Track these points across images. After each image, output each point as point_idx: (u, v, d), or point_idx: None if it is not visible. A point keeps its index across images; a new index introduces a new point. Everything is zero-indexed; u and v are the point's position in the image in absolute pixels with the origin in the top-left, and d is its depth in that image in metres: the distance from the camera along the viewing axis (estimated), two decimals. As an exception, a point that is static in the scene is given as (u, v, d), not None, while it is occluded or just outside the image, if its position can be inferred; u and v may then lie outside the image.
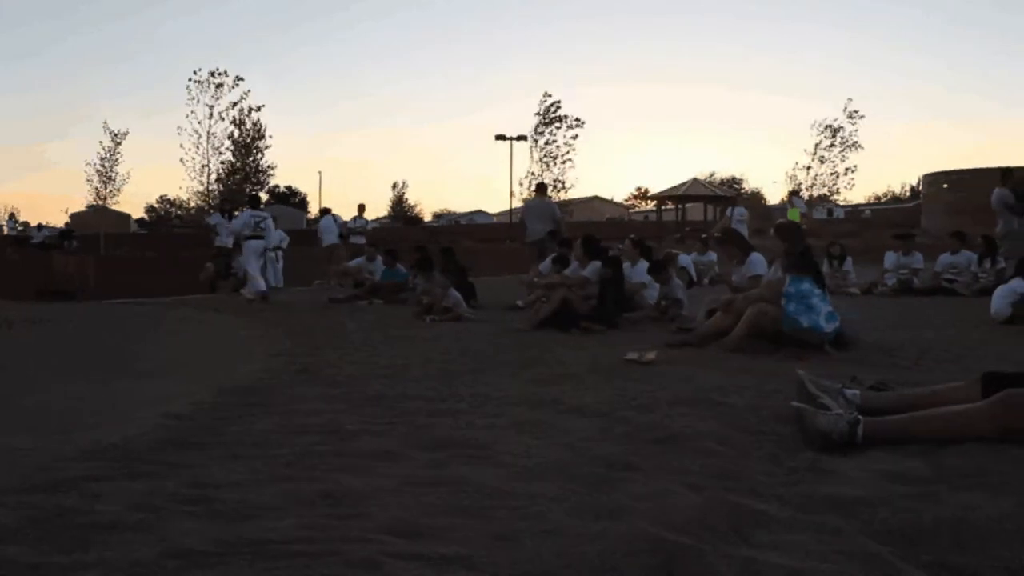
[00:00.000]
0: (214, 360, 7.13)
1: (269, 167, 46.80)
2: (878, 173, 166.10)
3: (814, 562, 2.15)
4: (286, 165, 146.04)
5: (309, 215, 76.21)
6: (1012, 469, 2.99)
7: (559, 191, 49.50)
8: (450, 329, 8.88)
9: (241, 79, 44.48)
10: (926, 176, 49.81)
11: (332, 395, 4.92)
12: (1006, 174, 14.10)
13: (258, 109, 45.01)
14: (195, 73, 45.18)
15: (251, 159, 45.52)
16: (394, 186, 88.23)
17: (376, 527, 2.50)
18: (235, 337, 8.86)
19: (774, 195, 68.24)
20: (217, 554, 2.30)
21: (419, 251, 12.65)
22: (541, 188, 17.15)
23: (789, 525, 2.44)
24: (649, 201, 70.56)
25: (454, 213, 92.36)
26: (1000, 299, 8.91)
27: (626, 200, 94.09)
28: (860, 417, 3.46)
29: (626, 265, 10.03)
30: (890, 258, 14.99)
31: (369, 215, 21.28)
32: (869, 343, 6.98)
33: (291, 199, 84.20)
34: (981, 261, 13.97)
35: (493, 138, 48.99)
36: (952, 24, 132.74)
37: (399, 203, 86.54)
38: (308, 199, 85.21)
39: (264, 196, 55.62)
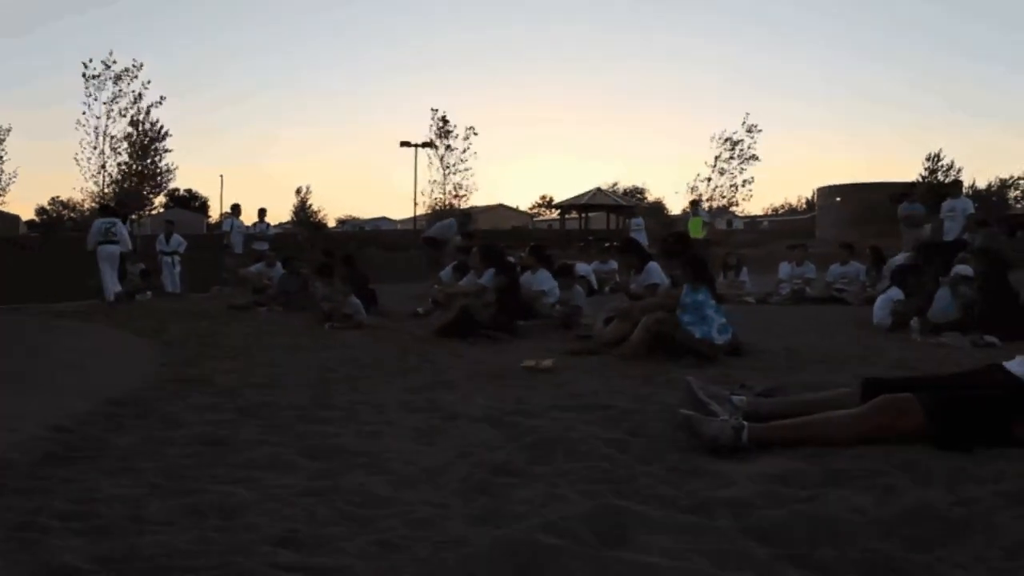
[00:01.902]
0: (98, 370, 6.90)
1: (168, 169, 45.22)
2: (776, 186, 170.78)
3: (678, 561, 2.19)
4: (187, 168, 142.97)
5: (210, 219, 74.68)
6: (888, 469, 3.11)
7: (461, 199, 49.63)
8: (349, 337, 8.79)
9: (140, 65, 41.82)
10: (820, 189, 51.41)
11: (220, 405, 4.81)
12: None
13: (160, 101, 42.89)
14: (86, 65, 40.44)
15: (149, 160, 43.80)
16: (298, 191, 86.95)
17: (263, 538, 2.46)
18: (123, 346, 8.59)
19: (676, 205, 69.46)
20: (98, 572, 2.22)
21: (325, 255, 12.47)
22: None
23: (664, 526, 2.48)
24: (553, 210, 71.09)
25: (358, 219, 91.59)
26: (880, 309, 9.23)
27: (531, 208, 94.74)
28: (745, 423, 3.54)
29: (526, 273, 10.09)
30: (784, 268, 15.41)
31: (272, 220, 20.77)
32: (762, 350, 7.15)
33: (191, 203, 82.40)
34: (869, 271, 14.47)
35: (398, 144, 48.82)
36: (848, 44, 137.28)
37: (303, 209, 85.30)
38: (209, 203, 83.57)
39: (163, 199, 54.04)
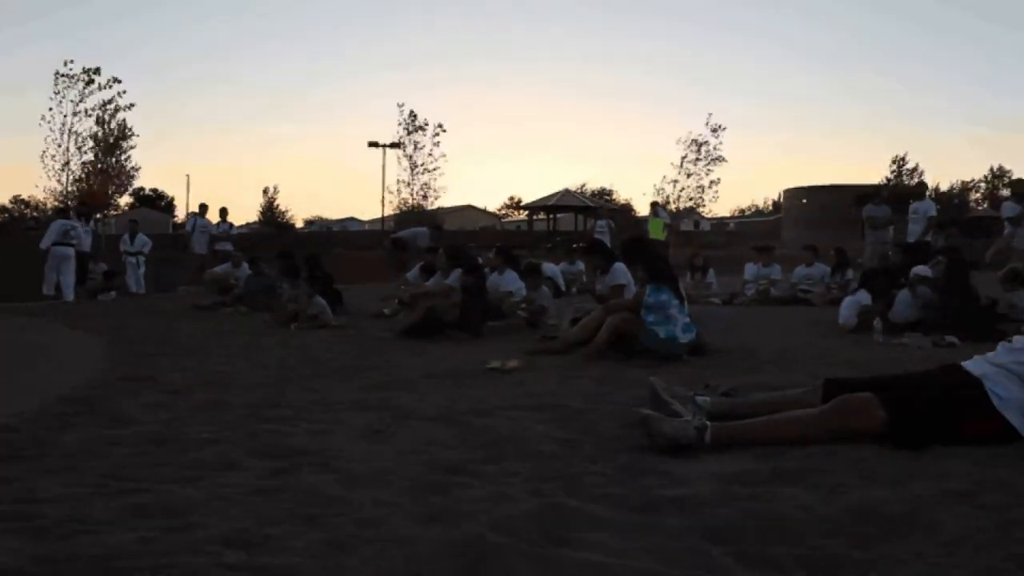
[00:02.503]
0: (49, 369, 6.83)
1: (134, 168, 44.63)
2: (744, 188, 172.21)
3: (625, 559, 2.19)
4: (153, 167, 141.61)
5: (176, 219, 74.04)
6: (836, 468, 3.14)
7: (430, 199, 49.53)
8: (312, 337, 8.74)
9: (117, 80, 41.60)
10: (786, 191, 51.88)
11: (172, 403, 4.77)
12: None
13: (129, 107, 42.46)
14: (66, 65, 40.58)
15: (114, 159, 43.21)
16: (265, 191, 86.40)
17: (209, 538, 2.43)
18: (75, 345, 8.49)
19: (644, 207, 69.81)
20: (38, 573, 2.18)
21: (284, 257, 12.38)
22: None
23: (612, 524, 2.49)
24: (521, 211, 71.18)
25: (326, 220, 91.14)
26: (847, 309, 9.31)
27: (499, 209, 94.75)
28: (708, 423, 3.55)
29: (493, 274, 10.08)
30: (750, 269, 15.50)
31: (239, 220, 20.69)
32: (727, 350, 7.19)
33: (157, 202, 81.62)
34: (834, 273, 14.60)
35: (366, 145, 48.67)
36: (816, 47, 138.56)
37: (270, 209, 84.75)
38: (175, 203, 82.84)
39: (128, 199, 53.42)
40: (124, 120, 42.49)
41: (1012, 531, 2.41)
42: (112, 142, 42.34)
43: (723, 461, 3.28)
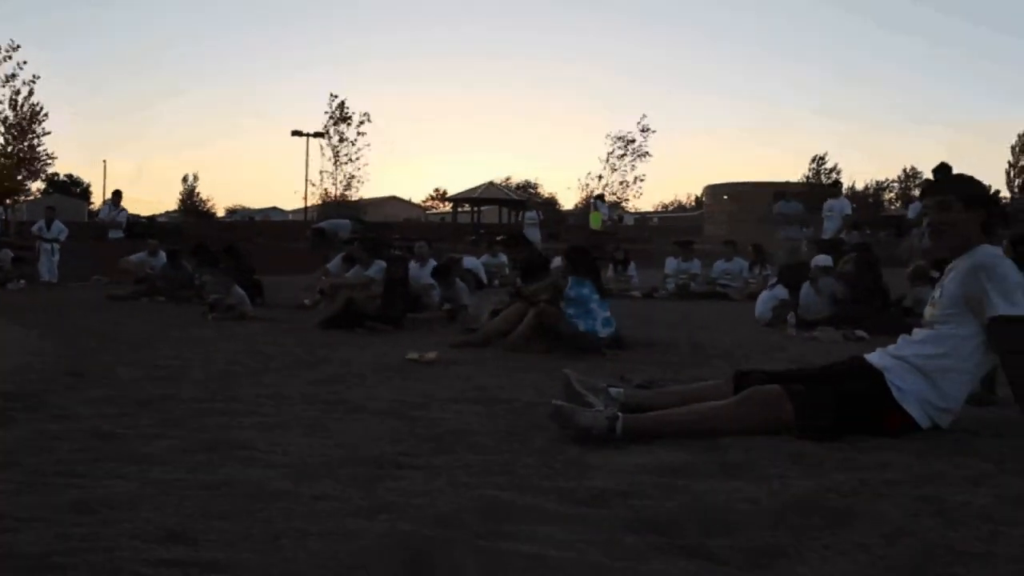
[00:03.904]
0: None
1: (48, 155, 43.09)
2: (667, 183, 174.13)
3: (568, 551, 2.20)
4: (68, 153, 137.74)
5: (92, 206, 72.12)
6: (779, 460, 3.19)
7: (353, 190, 48.99)
8: (233, 328, 8.62)
9: (17, 46, 39.73)
10: (708, 187, 52.53)
11: (117, 398, 4.64)
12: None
13: (33, 81, 40.65)
14: None
15: (26, 143, 41.62)
16: (184, 180, 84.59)
17: (139, 533, 2.37)
18: (11, 337, 8.19)
19: (568, 200, 70.10)
20: (-31, 571, 2.12)
21: (199, 248, 12.19)
22: None
23: (557, 517, 2.50)
24: (446, 203, 70.93)
25: (248, 209, 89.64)
26: (763, 304, 9.53)
27: (424, 201, 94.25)
28: (619, 413, 3.59)
29: (415, 265, 10.07)
30: (671, 263, 15.75)
31: (159, 209, 19.92)
32: (646, 343, 7.28)
33: (72, 189, 79.40)
34: (752, 268, 14.91)
35: (289, 134, 48.02)
36: (742, 45, 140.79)
37: (190, 197, 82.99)
38: (92, 189, 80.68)
39: (41, 185, 51.68)
40: (38, 102, 40.89)
41: (948, 520, 2.48)
42: (25, 125, 40.78)
43: (664, 454, 3.30)
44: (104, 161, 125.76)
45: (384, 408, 4.31)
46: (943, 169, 12.41)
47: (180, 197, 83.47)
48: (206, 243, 12.72)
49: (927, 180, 12.80)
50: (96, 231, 20.46)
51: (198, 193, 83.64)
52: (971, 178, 3.91)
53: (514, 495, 2.71)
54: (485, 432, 3.71)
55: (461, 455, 3.33)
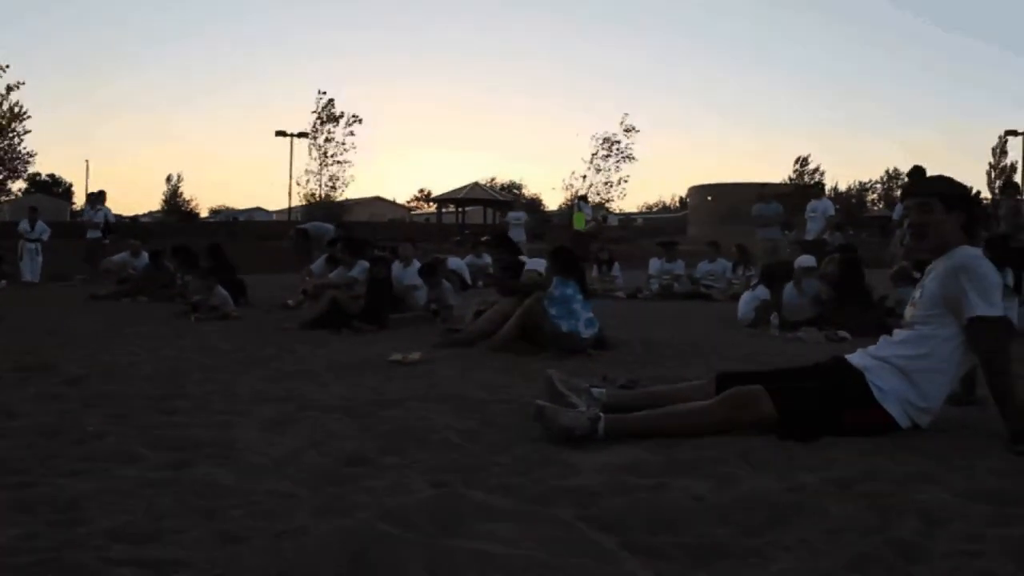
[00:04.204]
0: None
1: (28, 153, 42.84)
2: (652, 184, 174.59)
3: (513, 548, 2.21)
4: (50, 153, 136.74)
5: (74, 206, 71.66)
6: (727, 458, 3.22)
7: (338, 191, 48.91)
8: (214, 328, 8.58)
9: None
10: (693, 188, 52.76)
11: (64, 394, 4.61)
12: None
13: (17, 87, 40.59)
14: None
15: (6, 143, 41.36)
16: (168, 179, 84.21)
17: (100, 532, 2.36)
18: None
19: (552, 201, 70.24)
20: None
21: (181, 250, 12.13)
22: None
23: (505, 514, 2.50)
24: (431, 203, 70.92)
25: (232, 209, 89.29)
26: (745, 305, 9.55)
27: (408, 202, 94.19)
28: (601, 414, 3.60)
29: (399, 266, 10.06)
30: (654, 264, 15.80)
31: (142, 209, 19.74)
32: (629, 343, 7.29)
33: (54, 189, 78.96)
34: (735, 269, 14.97)
35: (273, 134, 47.86)
36: (727, 47, 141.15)
37: (174, 197, 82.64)
38: (74, 189, 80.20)
39: (22, 184, 51.33)
40: (17, 101, 40.67)
41: (890, 517, 2.52)
42: (4, 124, 40.53)
43: (618, 452, 3.32)
44: (87, 161, 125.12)
45: (350, 406, 4.30)
46: (917, 171, 12.49)
47: (164, 197, 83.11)
48: (187, 246, 12.64)
49: (909, 181, 12.84)
50: (80, 231, 20.31)
51: (182, 193, 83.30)
52: (952, 180, 3.93)
53: (465, 492, 2.72)
54: (446, 431, 3.71)
55: (415, 454, 3.33)
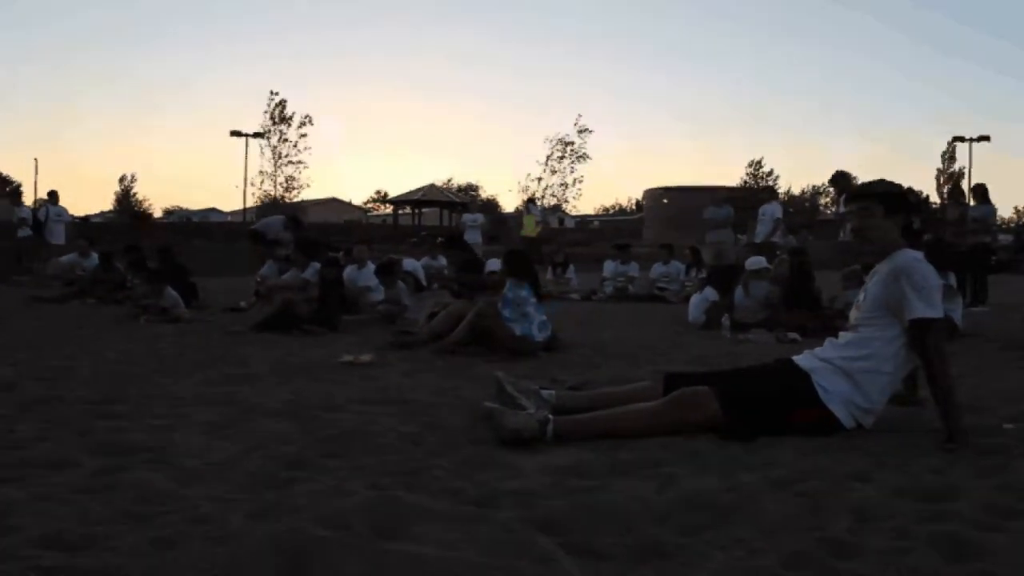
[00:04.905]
0: None
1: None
2: (609, 187, 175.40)
3: (449, 551, 2.22)
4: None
5: (24, 206, 70.30)
6: (670, 459, 3.26)
7: (293, 192, 48.64)
8: (163, 331, 8.46)
9: None
10: (648, 191, 53.06)
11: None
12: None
13: None
14: None
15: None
16: (121, 179, 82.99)
17: (27, 540, 2.31)
18: None
19: (509, 203, 70.41)
20: None
21: (131, 250, 11.96)
22: None
23: (444, 517, 2.51)
24: (387, 205, 70.68)
25: (186, 210, 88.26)
26: (695, 307, 9.62)
27: (365, 203, 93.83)
28: (550, 416, 3.61)
29: (352, 268, 10.01)
30: (609, 266, 15.86)
31: (93, 209, 19.35)
32: (582, 345, 7.32)
33: (2, 188, 77.48)
34: (688, 271, 15.09)
35: (228, 134, 47.41)
36: (680, 52, 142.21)
37: (126, 198, 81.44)
38: (23, 189, 78.69)
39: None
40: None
41: (824, 516, 2.57)
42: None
43: (562, 454, 3.34)
44: (35, 159, 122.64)
45: (295, 410, 4.28)
46: (842, 177, 12.72)
47: (116, 197, 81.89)
48: (137, 246, 12.46)
49: (834, 186, 13.05)
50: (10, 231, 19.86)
51: (135, 193, 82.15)
52: (892, 183, 3.99)
53: (405, 495, 2.72)
54: (391, 434, 3.70)
55: (357, 457, 3.31)
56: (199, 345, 7.18)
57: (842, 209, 12.08)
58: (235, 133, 47.26)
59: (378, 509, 2.53)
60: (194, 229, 45.74)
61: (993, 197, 13.37)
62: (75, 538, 2.34)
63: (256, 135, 47.53)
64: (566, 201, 50.93)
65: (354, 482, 2.93)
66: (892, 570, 2.17)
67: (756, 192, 35.99)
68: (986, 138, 50.51)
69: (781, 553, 2.27)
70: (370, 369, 5.82)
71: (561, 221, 60.72)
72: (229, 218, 68.40)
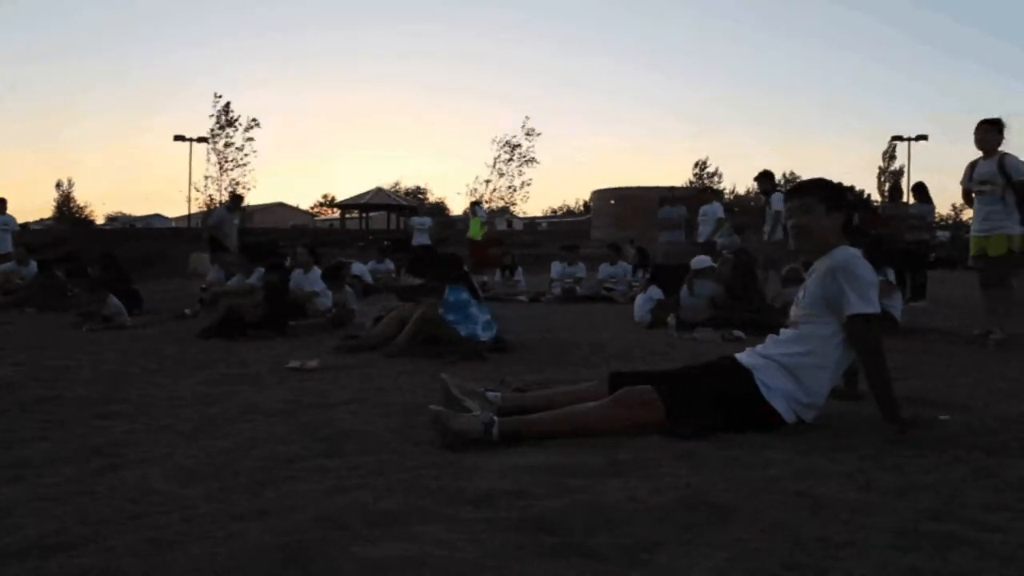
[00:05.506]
0: None
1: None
2: (557, 188, 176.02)
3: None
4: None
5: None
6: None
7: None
8: (106, 339, 8.32)
9: None
10: (596, 192, 53.33)
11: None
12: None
13: None
14: None
15: None
16: (58, 185, 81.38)
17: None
18: None
19: (458, 206, 70.41)
20: None
21: (70, 258, 11.74)
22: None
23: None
24: (334, 209, 70.33)
25: (129, 216, 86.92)
26: (641, 307, 9.71)
27: (312, 207, 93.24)
28: (495, 417, 3.61)
29: (298, 272, 9.94)
30: (556, 268, 15.92)
31: (33, 216, 18.96)
32: (530, 347, 7.34)
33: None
34: (635, 271, 15.21)
35: (172, 138, 46.86)
36: (628, 55, 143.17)
37: (66, 203, 79.91)
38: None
39: None
40: None
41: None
42: None
43: (530, 455, 3.34)
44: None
45: (247, 415, 4.24)
46: (766, 177, 12.92)
47: (55, 203, 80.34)
48: (74, 252, 12.23)
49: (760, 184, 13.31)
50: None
51: (74, 199, 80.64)
52: (832, 182, 4.07)
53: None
54: (359, 434, 3.70)
55: (335, 458, 3.31)
56: (142, 353, 7.03)
57: (775, 208, 12.27)
58: (178, 138, 46.74)
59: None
60: (138, 235, 45.15)
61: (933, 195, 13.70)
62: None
63: (200, 139, 47.02)
64: (514, 203, 51.10)
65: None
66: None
67: (700, 192, 36.45)
68: (924, 137, 51.63)
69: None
70: (321, 374, 5.78)
71: (509, 223, 60.85)
72: (174, 223, 67.55)
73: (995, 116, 7.77)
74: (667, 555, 2.28)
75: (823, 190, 3.99)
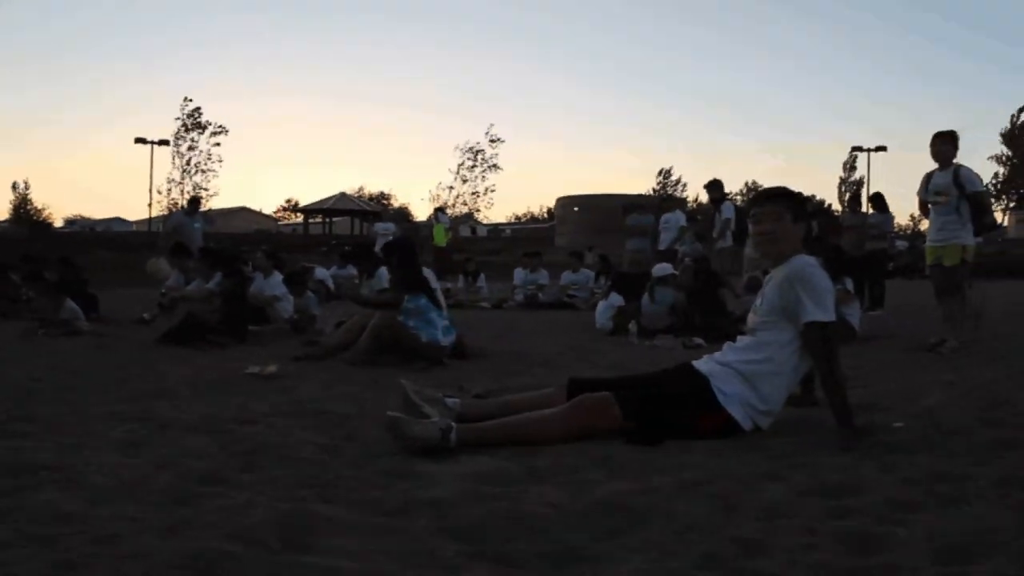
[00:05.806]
0: None
1: None
2: (522, 195, 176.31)
3: (362, 562, 2.22)
4: None
5: None
6: (585, 464, 3.29)
7: (203, 201, 47.79)
8: (64, 344, 8.20)
9: None
10: (560, 199, 53.45)
11: None
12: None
13: None
14: None
15: None
16: (14, 187, 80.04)
17: None
18: None
19: (422, 212, 70.26)
20: None
21: (26, 261, 11.55)
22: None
23: (358, 528, 2.50)
24: (298, 214, 69.99)
25: (89, 219, 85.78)
26: (602, 314, 9.75)
27: (275, 212, 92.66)
28: (453, 424, 3.61)
29: (258, 277, 9.86)
30: (519, 275, 15.98)
31: None
32: (491, 353, 7.35)
33: None
34: (598, 278, 15.27)
35: (132, 141, 46.38)
36: (591, 62, 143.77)
37: (23, 206, 78.59)
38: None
39: None
40: None
41: (735, 516, 2.64)
42: None
43: (479, 462, 3.34)
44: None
45: (201, 424, 4.17)
46: (715, 185, 13.05)
47: (11, 205, 79.02)
48: (32, 256, 12.03)
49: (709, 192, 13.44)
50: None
51: (32, 201, 79.33)
52: (796, 192, 4.11)
53: (319, 508, 2.70)
54: (303, 446, 3.66)
55: (272, 470, 3.27)
56: (100, 359, 6.97)
57: (724, 216, 12.39)
58: (140, 140, 46.27)
59: (291, 522, 2.51)
60: (97, 239, 44.54)
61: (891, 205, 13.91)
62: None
63: (161, 142, 46.55)
64: (477, 210, 51.15)
65: (269, 496, 2.87)
66: (800, 567, 2.22)
67: (669, 200, 36.67)
68: (883, 148, 52.36)
69: (693, 554, 2.31)
70: (282, 381, 5.73)
71: (473, 230, 60.83)
72: (134, 227, 66.84)
73: (949, 129, 7.90)
74: (585, 560, 2.30)
75: (790, 199, 4.03)
